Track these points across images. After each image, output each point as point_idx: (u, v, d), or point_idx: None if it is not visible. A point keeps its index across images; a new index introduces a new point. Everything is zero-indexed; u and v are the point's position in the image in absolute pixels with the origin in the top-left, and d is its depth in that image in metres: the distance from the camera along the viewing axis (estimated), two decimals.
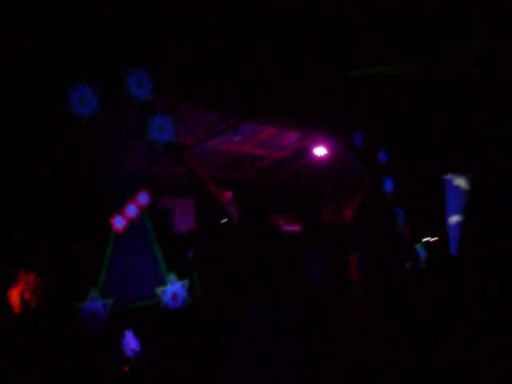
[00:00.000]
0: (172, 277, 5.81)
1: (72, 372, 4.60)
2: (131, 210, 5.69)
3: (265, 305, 4.31)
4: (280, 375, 4.20)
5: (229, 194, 8.40)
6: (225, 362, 4.27)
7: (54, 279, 5.00)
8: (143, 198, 5.80)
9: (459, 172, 9.95)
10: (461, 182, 9.88)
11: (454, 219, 9.90)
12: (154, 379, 5.05)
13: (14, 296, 4.78)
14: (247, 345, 4.20)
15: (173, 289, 5.80)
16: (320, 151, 9.19)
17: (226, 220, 7.47)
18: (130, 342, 5.17)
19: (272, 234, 4.71)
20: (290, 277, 4.62)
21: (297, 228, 8.57)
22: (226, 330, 4.44)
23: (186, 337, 5.59)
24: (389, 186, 9.18)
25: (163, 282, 5.77)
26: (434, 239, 9.56)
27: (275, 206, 8.74)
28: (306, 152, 9.48)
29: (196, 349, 5.42)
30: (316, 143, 9.14)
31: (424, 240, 9.29)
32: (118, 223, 5.58)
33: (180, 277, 5.86)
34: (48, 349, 4.59)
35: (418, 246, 9.24)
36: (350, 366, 5.92)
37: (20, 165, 5.16)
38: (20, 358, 4.44)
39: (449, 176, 9.95)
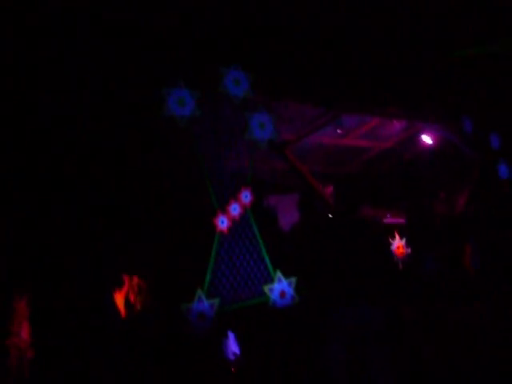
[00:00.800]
0: (278, 274, 5.75)
1: (181, 374, 4.63)
2: (235, 209, 5.69)
3: (356, 303, 4.09)
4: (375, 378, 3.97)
5: (330, 189, 8.27)
6: (320, 361, 4.10)
7: (160, 281, 5.07)
8: (246, 197, 5.78)
9: None
10: None
11: None
12: (258, 380, 4.98)
13: (119, 299, 4.90)
14: (339, 345, 4.00)
15: (280, 286, 5.74)
16: (427, 139, 8.81)
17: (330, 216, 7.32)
18: (231, 345, 5.14)
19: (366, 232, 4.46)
20: (382, 274, 4.35)
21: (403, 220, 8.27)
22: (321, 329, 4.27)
23: (291, 336, 5.49)
24: (503, 171, 8.64)
25: (270, 280, 5.72)
26: None
27: (381, 200, 8.52)
28: (412, 141, 9.13)
29: (299, 348, 5.30)
30: (422, 131, 8.77)
31: None
32: (222, 223, 5.59)
33: (287, 274, 5.78)
34: (156, 351, 4.65)
35: None
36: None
37: (122, 167, 5.28)
38: (128, 361, 4.52)
39: None
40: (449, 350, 5.75)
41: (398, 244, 7.79)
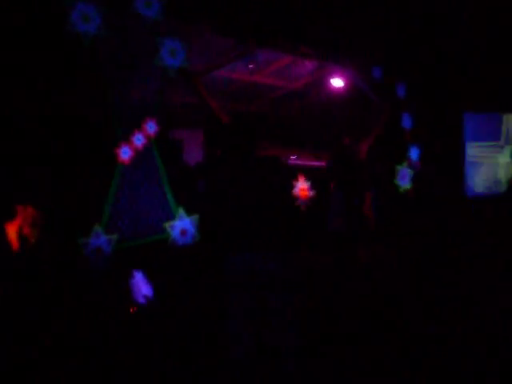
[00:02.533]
0: (181, 211, 5.52)
1: (75, 311, 4.34)
2: (138, 140, 5.34)
3: (251, 250, 3.92)
4: (276, 327, 3.88)
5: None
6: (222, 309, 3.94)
7: (56, 213, 4.67)
8: (151, 127, 5.44)
9: (481, 108, 9.55)
10: None
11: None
12: (158, 321, 4.77)
13: (11, 231, 4.44)
14: (237, 293, 3.85)
15: (182, 224, 5.52)
16: (336, 83, 8.73)
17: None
18: (141, 287, 4.85)
19: (261, 170, 4.21)
20: (280, 218, 4.16)
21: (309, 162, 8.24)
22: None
23: (192, 276, 5.32)
24: (406, 121, 8.81)
25: (172, 217, 5.48)
26: None
27: (289, 141, 8.43)
28: (321, 84, 9.03)
29: (201, 291, 5.13)
30: (333, 75, 8.67)
31: None
32: (125, 154, 5.24)
33: (189, 212, 5.55)
34: (49, 286, 4.30)
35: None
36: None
37: (18, 88, 4.75)
38: (20, 295, 4.15)
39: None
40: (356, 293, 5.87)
41: (301, 186, 7.75)
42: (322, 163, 8.38)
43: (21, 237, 4.41)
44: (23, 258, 4.34)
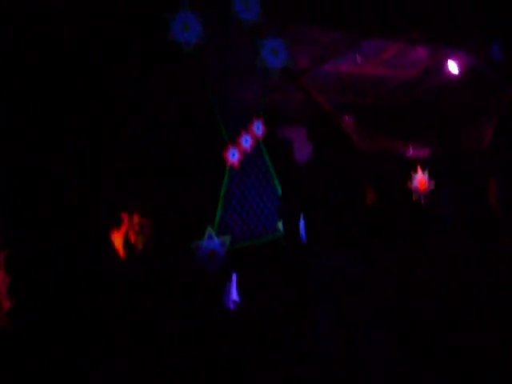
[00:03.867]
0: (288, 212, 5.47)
1: (186, 312, 4.42)
2: (246, 141, 5.38)
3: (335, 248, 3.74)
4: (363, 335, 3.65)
5: (351, 120, 7.86)
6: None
7: (166, 219, 4.79)
8: (258, 128, 5.47)
9: None
10: None
11: None
12: (253, 321, 4.71)
13: (118, 240, 4.60)
14: (322, 293, 3.68)
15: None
16: (453, 68, 8.28)
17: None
18: (232, 291, 4.84)
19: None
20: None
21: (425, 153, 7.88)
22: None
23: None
24: None
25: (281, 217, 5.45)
26: None
27: (403, 132, 8.11)
28: (436, 70, 8.61)
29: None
30: (448, 59, 8.25)
31: None
32: (233, 156, 5.30)
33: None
34: (160, 291, 4.42)
35: None
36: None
37: (122, 97, 4.93)
38: (129, 306, 4.30)
39: None
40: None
41: (420, 178, 7.44)
42: (438, 153, 7.98)
43: (127, 244, 4.57)
44: (130, 265, 4.49)
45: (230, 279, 4.83)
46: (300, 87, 6.61)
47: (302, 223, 4.91)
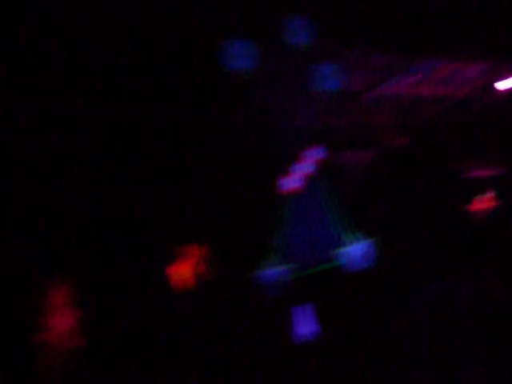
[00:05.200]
0: (353, 237, 5.35)
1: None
2: (305, 168, 5.30)
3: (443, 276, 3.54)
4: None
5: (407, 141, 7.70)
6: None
7: (227, 248, 4.72)
8: (318, 153, 5.38)
9: None
10: None
11: None
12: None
13: (185, 271, 4.53)
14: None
15: (355, 250, 5.34)
16: (508, 84, 8.05)
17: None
18: (305, 320, 4.63)
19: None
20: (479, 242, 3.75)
21: (495, 172, 7.60)
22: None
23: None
24: None
25: (344, 243, 5.33)
26: None
27: (465, 151, 7.88)
28: (493, 86, 8.38)
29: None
30: (503, 74, 8.02)
31: None
32: (292, 182, 5.22)
33: (362, 237, 5.37)
34: (231, 320, 4.33)
35: None
36: None
37: (179, 129, 4.93)
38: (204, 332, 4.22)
39: None
40: None
41: (487, 198, 7.11)
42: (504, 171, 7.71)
43: (196, 275, 4.50)
44: (202, 296, 4.42)
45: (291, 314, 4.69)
46: (354, 110, 6.50)
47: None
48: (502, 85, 8.00)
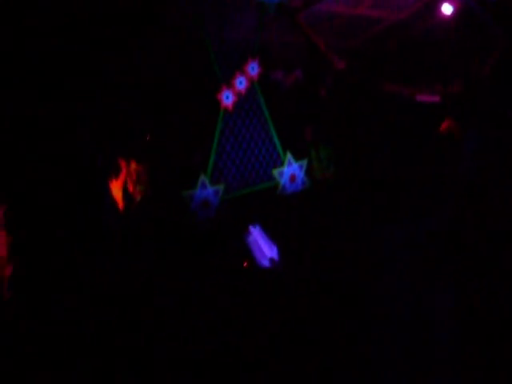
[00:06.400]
0: (289, 156, 5.20)
1: (183, 264, 4.14)
2: (241, 83, 5.03)
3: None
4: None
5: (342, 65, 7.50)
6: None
7: (158, 166, 4.43)
8: (253, 69, 5.11)
9: None
10: None
11: None
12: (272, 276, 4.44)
13: (116, 189, 4.21)
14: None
15: (290, 170, 5.20)
16: (447, 9, 7.94)
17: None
18: (263, 247, 4.48)
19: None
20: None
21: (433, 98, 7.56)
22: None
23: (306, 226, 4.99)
24: None
25: (279, 163, 5.17)
26: None
27: (405, 76, 7.79)
28: (430, 12, 8.26)
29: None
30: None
31: None
32: (227, 98, 4.95)
33: (297, 157, 5.23)
34: (159, 243, 4.11)
35: None
36: None
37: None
38: (129, 259, 3.98)
39: None
40: None
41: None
42: (435, 98, 7.68)
43: (126, 195, 4.20)
44: (130, 218, 4.14)
45: (243, 233, 4.51)
46: (296, 26, 6.20)
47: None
48: (442, 9, 7.87)
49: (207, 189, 4.69)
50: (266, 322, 3.92)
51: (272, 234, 4.54)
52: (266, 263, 4.39)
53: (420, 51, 8.62)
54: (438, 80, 8.16)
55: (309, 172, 5.31)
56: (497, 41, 8.08)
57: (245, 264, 4.45)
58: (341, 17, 7.84)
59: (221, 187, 4.79)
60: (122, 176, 4.26)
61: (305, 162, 5.29)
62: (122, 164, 4.28)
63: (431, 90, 7.69)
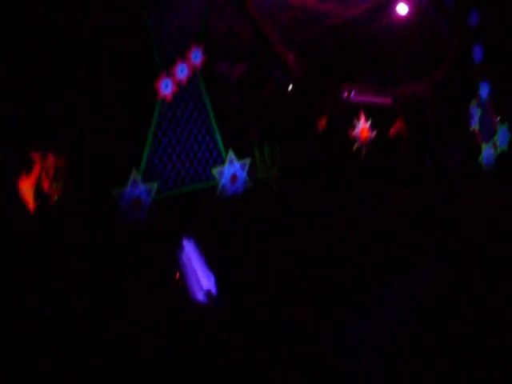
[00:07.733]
0: (231, 155, 4.83)
1: (107, 272, 3.70)
2: (182, 72, 4.61)
3: None
4: None
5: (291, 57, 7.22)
6: None
7: (85, 160, 3.94)
8: (197, 57, 4.69)
9: None
10: None
11: None
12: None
13: (27, 187, 3.66)
14: None
15: (232, 169, 4.83)
16: (402, 9, 7.81)
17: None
18: (199, 276, 4.01)
19: None
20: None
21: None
22: None
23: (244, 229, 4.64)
24: (478, 53, 7.96)
25: (220, 162, 4.79)
26: None
27: (346, 74, 7.60)
28: (384, 10, 8.09)
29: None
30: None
31: None
32: (166, 87, 4.52)
33: (240, 156, 4.87)
34: (79, 249, 3.65)
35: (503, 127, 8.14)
36: None
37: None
38: (41, 265, 3.50)
39: None
40: None
41: (362, 127, 6.95)
42: (387, 100, 7.53)
43: (39, 194, 3.66)
44: (43, 218, 3.63)
45: (176, 247, 4.06)
46: (246, 14, 5.82)
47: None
48: (397, 9, 7.74)
49: (139, 186, 4.27)
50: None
51: (208, 247, 4.15)
52: (201, 297, 3.95)
53: (373, 49, 8.48)
54: (391, 81, 8.06)
55: (251, 172, 4.95)
56: (451, 42, 8.03)
57: (177, 276, 4.03)
58: (294, 9, 7.56)
59: (154, 185, 4.38)
60: (35, 172, 3.71)
61: (248, 162, 4.94)
62: (36, 157, 3.72)
63: (384, 92, 7.56)
